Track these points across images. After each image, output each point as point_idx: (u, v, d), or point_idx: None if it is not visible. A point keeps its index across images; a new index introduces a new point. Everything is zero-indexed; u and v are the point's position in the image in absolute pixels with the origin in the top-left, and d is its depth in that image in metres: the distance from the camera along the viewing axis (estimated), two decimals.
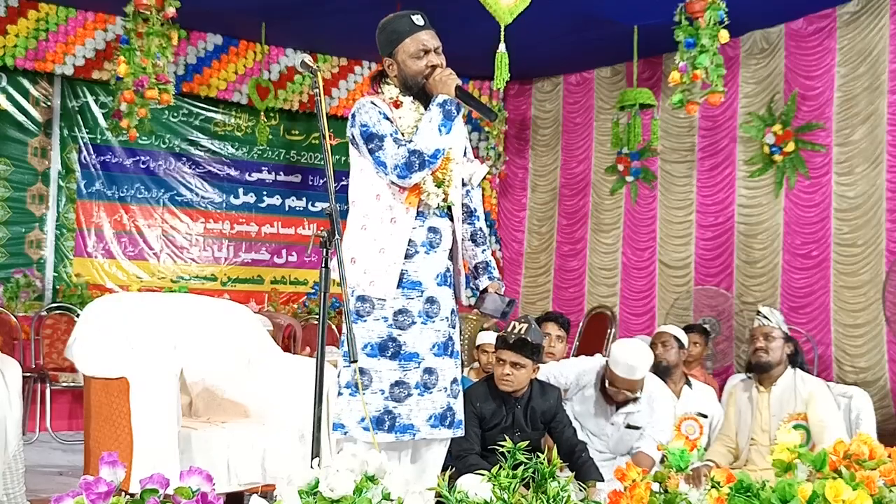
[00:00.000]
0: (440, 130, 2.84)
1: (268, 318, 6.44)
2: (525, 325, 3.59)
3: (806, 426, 3.90)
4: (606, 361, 4.08)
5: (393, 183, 2.89)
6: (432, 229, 2.97)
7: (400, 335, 2.92)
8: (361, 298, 2.92)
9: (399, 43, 2.91)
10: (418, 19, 2.93)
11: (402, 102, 2.95)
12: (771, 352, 4.03)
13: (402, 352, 2.92)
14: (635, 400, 4.03)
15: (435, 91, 2.88)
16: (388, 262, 2.90)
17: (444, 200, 2.98)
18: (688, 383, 4.74)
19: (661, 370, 4.70)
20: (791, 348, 4.12)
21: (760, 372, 4.07)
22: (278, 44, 8.01)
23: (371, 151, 2.87)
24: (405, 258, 2.92)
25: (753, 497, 2.32)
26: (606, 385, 4.02)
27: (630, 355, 3.95)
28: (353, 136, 2.92)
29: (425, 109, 2.92)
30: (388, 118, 2.91)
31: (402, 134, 2.90)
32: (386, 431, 2.88)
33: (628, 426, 4.07)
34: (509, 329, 3.62)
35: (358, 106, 2.93)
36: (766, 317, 4.11)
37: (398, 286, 2.92)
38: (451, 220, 3.04)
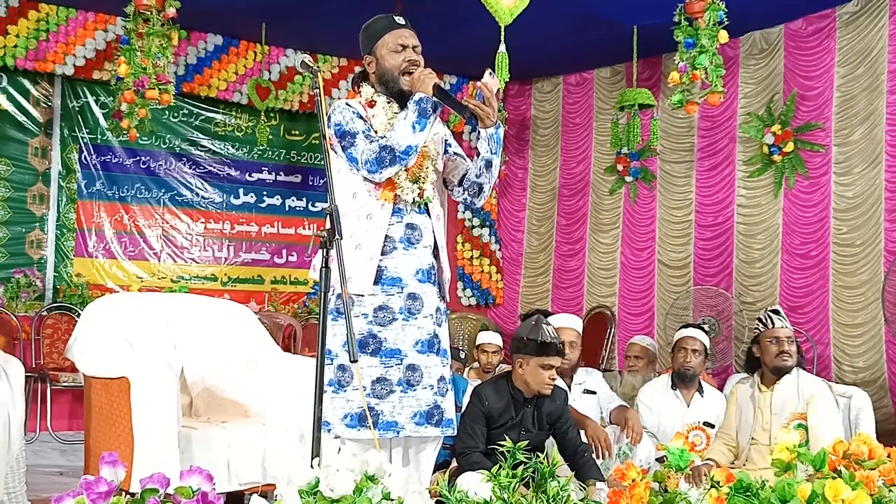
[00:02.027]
0: (414, 128, 2.86)
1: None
2: (550, 326, 3.60)
3: (806, 426, 3.90)
4: None
5: (365, 178, 2.92)
6: (410, 226, 2.99)
7: (380, 332, 2.93)
8: (341, 296, 2.91)
9: (378, 39, 2.99)
10: (399, 19, 3.02)
11: (376, 102, 3.01)
12: (793, 356, 4.00)
13: (382, 348, 2.93)
14: (576, 369, 4.41)
15: (413, 90, 2.92)
16: (365, 258, 2.92)
17: (420, 196, 2.99)
18: (700, 391, 4.73)
19: (686, 378, 4.67)
20: (798, 348, 4.12)
21: (781, 376, 4.02)
22: (278, 44, 8.01)
23: (344, 149, 2.93)
24: (383, 254, 2.94)
25: (753, 497, 2.33)
26: None
27: (563, 315, 4.52)
28: (329, 137, 2.97)
29: (400, 109, 2.97)
30: (361, 117, 2.96)
31: (375, 132, 2.94)
32: (368, 428, 2.88)
33: (585, 391, 4.37)
34: (544, 334, 3.53)
35: (333, 108, 2.99)
36: (781, 317, 4.08)
37: (377, 283, 2.93)
38: (430, 217, 3.05)
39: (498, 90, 2.94)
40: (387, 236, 2.94)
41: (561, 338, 4.05)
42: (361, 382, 2.89)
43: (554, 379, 3.57)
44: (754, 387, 4.11)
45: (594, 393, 4.41)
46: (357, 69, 3.24)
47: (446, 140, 3.16)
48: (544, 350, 3.52)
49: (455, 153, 3.17)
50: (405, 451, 3.06)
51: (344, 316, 2.89)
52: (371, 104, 3.00)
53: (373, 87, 3.03)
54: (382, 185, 2.94)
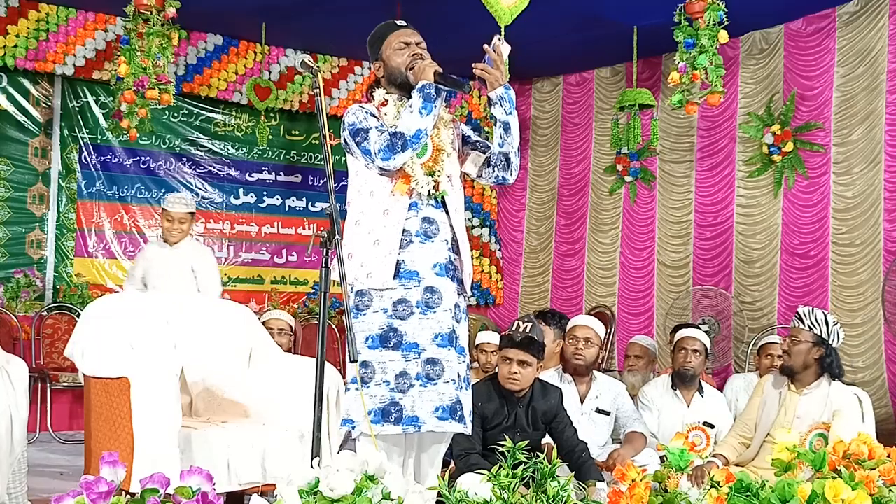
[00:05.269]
0: (421, 113, 2.92)
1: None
2: (529, 324, 3.59)
3: (826, 436, 3.83)
4: (563, 337, 4.40)
5: (381, 172, 2.96)
6: (426, 219, 3.00)
7: (400, 325, 2.93)
8: (360, 293, 2.95)
9: (383, 42, 3.10)
10: (400, 22, 3.15)
11: (388, 101, 3.08)
12: (793, 356, 3.88)
13: (403, 342, 2.93)
14: (591, 381, 4.31)
15: (417, 81, 2.99)
16: (384, 253, 2.93)
17: (436, 189, 3.01)
18: (700, 391, 4.72)
19: (686, 378, 4.67)
20: (820, 352, 3.86)
21: (785, 375, 3.96)
22: (278, 44, 8.01)
23: (358, 144, 2.97)
24: (401, 248, 2.95)
25: (753, 497, 2.33)
26: (568, 355, 4.28)
27: (582, 315, 4.47)
28: (346, 139, 3.03)
29: None
30: (374, 116, 3.03)
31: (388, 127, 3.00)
32: (393, 423, 2.87)
33: (597, 410, 4.28)
34: (514, 328, 3.61)
35: (347, 111, 3.08)
36: (799, 318, 3.95)
37: (395, 276, 2.94)
38: (447, 212, 3.06)
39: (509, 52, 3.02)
40: (403, 230, 2.96)
41: (574, 333, 4.23)
42: (360, 379, 2.89)
43: (515, 373, 3.56)
44: (783, 386, 4.01)
45: (607, 413, 4.30)
46: (363, 66, 3.28)
47: (464, 134, 3.21)
48: (503, 342, 3.63)
49: (476, 140, 3.21)
50: (418, 448, 3.05)
51: (362, 312, 2.94)
52: (384, 104, 3.08)
53: (385, 89, 3.11)
54: (397, 177, 2.97)
